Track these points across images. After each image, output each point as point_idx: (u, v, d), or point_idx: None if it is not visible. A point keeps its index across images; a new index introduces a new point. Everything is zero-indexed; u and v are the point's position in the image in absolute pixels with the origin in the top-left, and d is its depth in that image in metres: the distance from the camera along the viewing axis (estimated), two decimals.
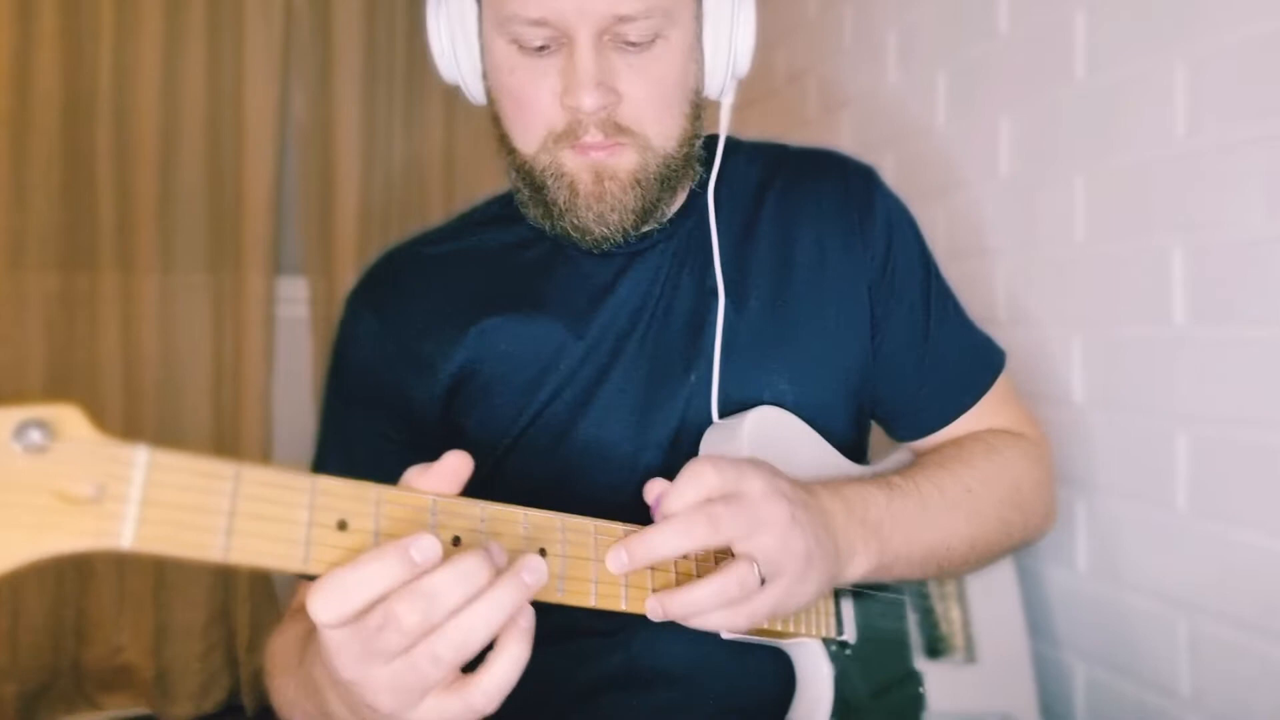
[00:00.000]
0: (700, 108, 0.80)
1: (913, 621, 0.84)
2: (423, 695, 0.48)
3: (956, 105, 1.32)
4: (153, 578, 2.21)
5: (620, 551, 0.57)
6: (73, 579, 2.17)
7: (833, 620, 0.74)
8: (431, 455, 0.54)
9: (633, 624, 0.61)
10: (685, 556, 0.62)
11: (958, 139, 1.31)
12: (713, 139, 0.84)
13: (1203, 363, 0.93)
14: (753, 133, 0.92)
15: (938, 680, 0.83)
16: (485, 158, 2.39)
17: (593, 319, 0.80)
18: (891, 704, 0.78)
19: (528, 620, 0.50)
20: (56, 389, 2.12)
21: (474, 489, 0.54)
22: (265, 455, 2.31)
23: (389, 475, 0.53)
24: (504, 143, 0.78)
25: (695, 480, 0.59)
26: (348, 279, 2.20)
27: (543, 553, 0.55)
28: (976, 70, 1.27)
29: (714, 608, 0.59)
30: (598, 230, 0.76)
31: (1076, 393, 1.10)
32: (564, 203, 0.76)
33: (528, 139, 0.75)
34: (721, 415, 0.77)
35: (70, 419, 0.42)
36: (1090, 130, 1.07)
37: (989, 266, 1.24)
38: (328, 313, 2.36)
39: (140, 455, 0.43)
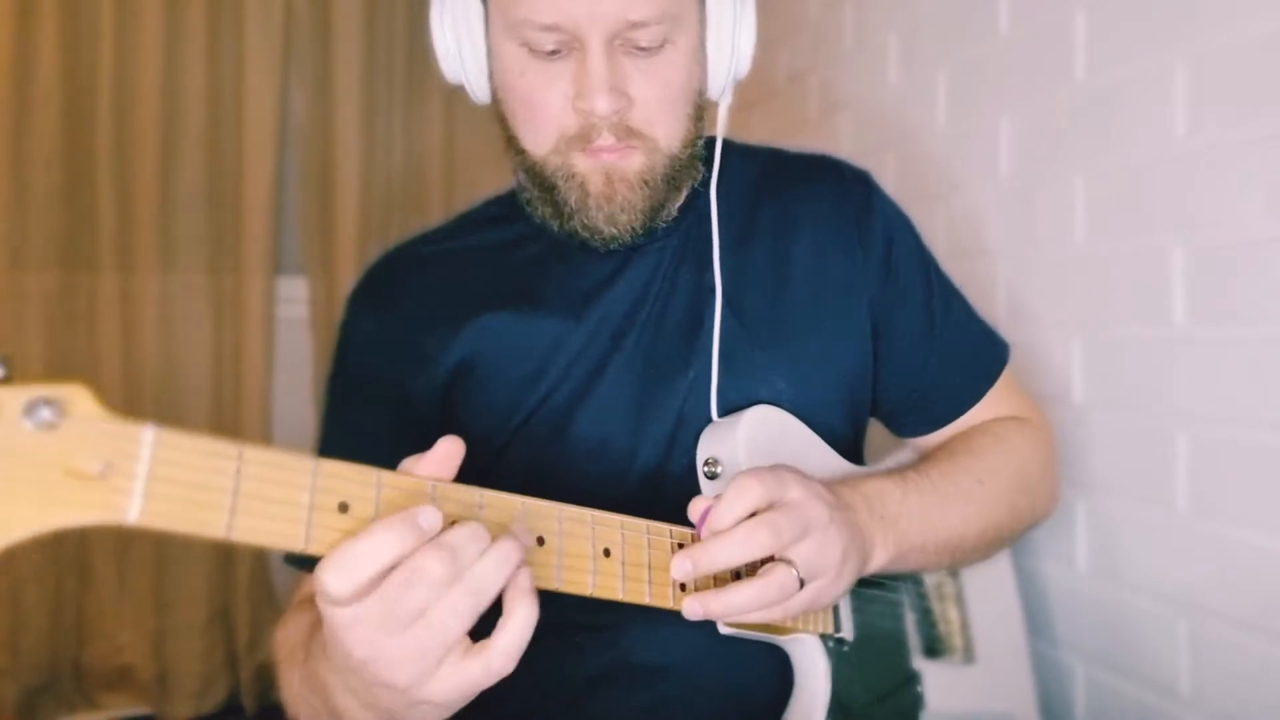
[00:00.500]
0: (703, 109, 0.81)
1: (910, 621, 0.84)
2: (439, 662, 0.49)
3: (957, 106, 1.32)
4: (153, 578, 2.21)
5: (685, 560, 0.60)
6: (73, 579, 2.17)
7: (830, 616, 0.74)
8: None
9: (625, 620, 0.62)
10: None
11: (958, 139, 1.31)
12: (710, 140, 0.85)
13: (1202, 363, 0.93)
14: (754, 134, 0.93)
15: (937, 680, 0.83)
16: (485, 158, 2.39)
17: (590, 314, 0.81)
18: (890, 704, 0.78)
19: (528, 580, 0.51)
20: None
21: (473, 481, 0.55)
22: None
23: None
24: (512, 143, 0.79)
25: (743, 494, 0.62)
26: (348, 279, 2.20)
27: (540, 541, 0.56)
28: (977, 71, 1.27)
29: (754, 609, 0.62)
30: (607, 230, 0.78)
31: (1076, 393, 1.10)
32: (575, 203, 0.77)
33: (539, 141, 0.76)
34: (719, 413, 0.78)
35: (79, 397, 0.43)
36: (1090, 130, 1.07)
37: (989, 266, 1.24)
38: (328, 312, 2.36)
39: (147, 434, 0.44)
